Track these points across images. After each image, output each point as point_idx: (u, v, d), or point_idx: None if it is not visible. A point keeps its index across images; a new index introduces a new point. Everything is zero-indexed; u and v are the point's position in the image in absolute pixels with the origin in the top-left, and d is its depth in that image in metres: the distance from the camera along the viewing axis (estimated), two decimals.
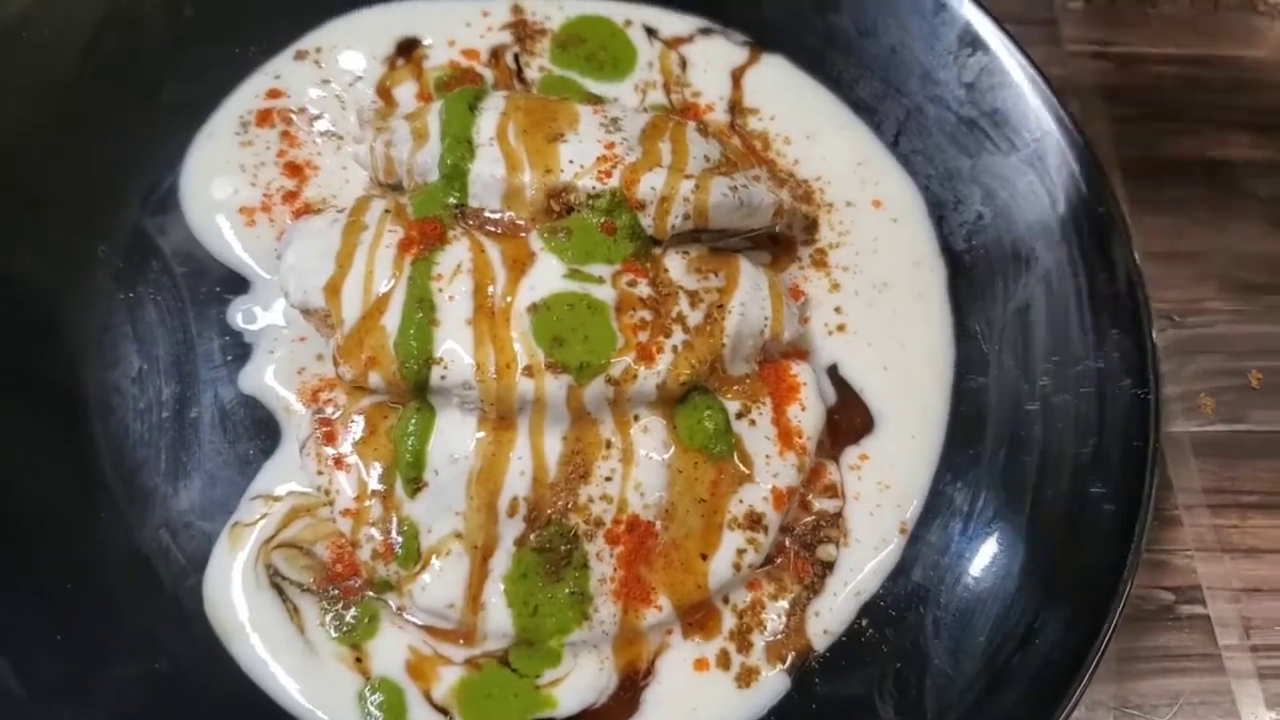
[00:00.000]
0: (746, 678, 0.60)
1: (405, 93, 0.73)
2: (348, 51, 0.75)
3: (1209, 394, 0.75)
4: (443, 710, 0.58)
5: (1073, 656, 0.57)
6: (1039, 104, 0.72)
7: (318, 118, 0.72)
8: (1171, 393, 0.74)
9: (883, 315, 0.70)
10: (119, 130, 0.69)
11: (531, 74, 0.74)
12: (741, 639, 0.61)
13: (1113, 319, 0.66)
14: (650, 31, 0.77)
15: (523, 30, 0.75)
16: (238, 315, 0.67)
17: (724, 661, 0.60)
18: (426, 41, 0.75)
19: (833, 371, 0.68)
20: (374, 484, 0.59)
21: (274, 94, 0.74)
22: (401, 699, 0.58)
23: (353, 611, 0.59)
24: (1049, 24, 0.87)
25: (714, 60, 0.76)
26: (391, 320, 0.57)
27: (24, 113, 0.66)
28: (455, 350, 0.57)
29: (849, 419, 0.67)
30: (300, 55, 0.74)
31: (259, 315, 0.67)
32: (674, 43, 0.77)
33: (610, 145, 0.62)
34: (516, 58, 0.74)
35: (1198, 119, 0.84)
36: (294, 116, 0.72)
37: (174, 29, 0.72)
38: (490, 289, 0.58)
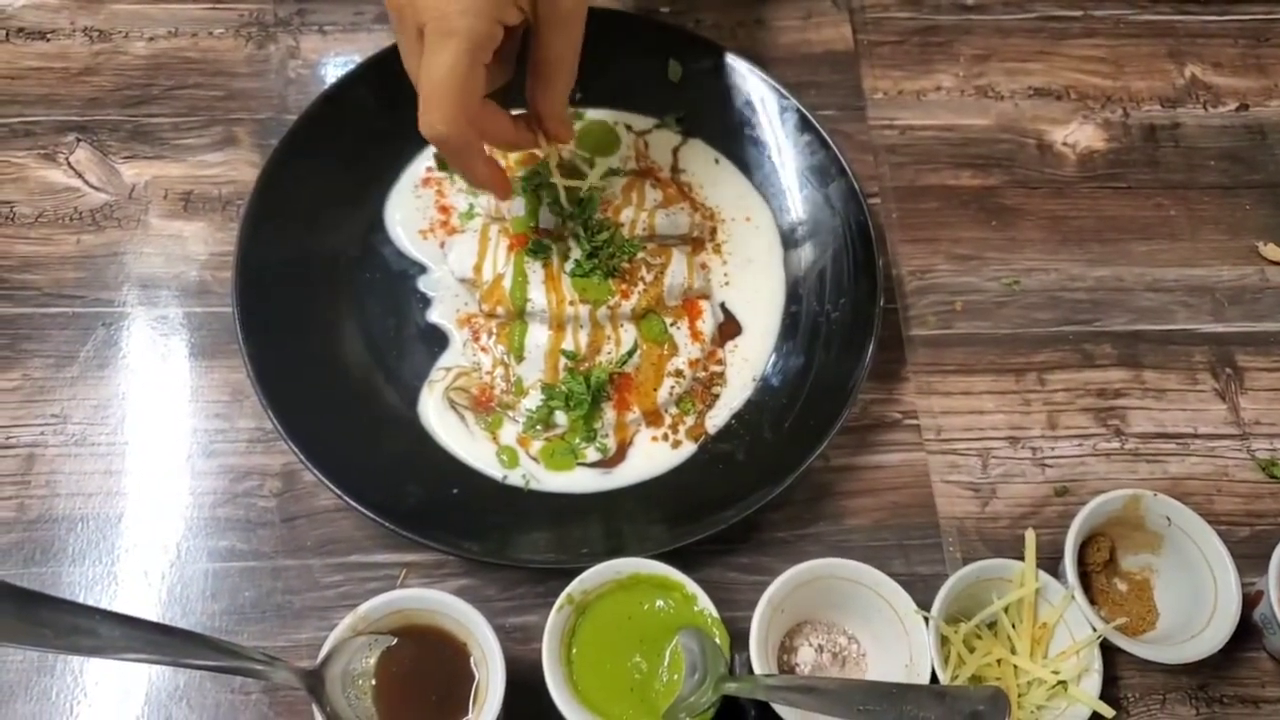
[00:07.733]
0: (675, 445, 1.11)
1: None
2: None
3: (933, 315, 1.32)
4: (534, 459, 1.17)
5: (827, 425, 1.10)
6: (835, 161, 1.25)
7: (454, 181, 1.32)
8: (913, 315, 1.33)
9: (749, 277, 1.19)
10: (358, 194, 1.26)
11: (564, 153, 1.36)
12: (674, 428, 1.12)
13: (864, 272, 1.19)
14: (628, 127, 1.31)
15: None
16: (420, 282, 1.23)
17: (665, 438, 1.12)
18: None
19: (723, 306, 1.19)
20: (501, 359, 1.18)
21: (429, 170, 1.30)
22: (516, 455, 1.12)
23: (489, 418, 1.17)
24: (860, 109, 1.42)
25: (662, 142, 1.27)
26: (506, 282, 1.16)
27: (326, 185, 1.24)
28: (537, 296, 1.16)
29: (730, 328, 1.17)
30: None
31: (434, 282, 1.23)
32: (640, 133, 1.30)
33: (608, 199, 1.23)
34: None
35: (941, 163, 1.38)
36: (443, 180, 1.30)
37: (379, 138, 1.30)
38: (551, 266, 1.20)
